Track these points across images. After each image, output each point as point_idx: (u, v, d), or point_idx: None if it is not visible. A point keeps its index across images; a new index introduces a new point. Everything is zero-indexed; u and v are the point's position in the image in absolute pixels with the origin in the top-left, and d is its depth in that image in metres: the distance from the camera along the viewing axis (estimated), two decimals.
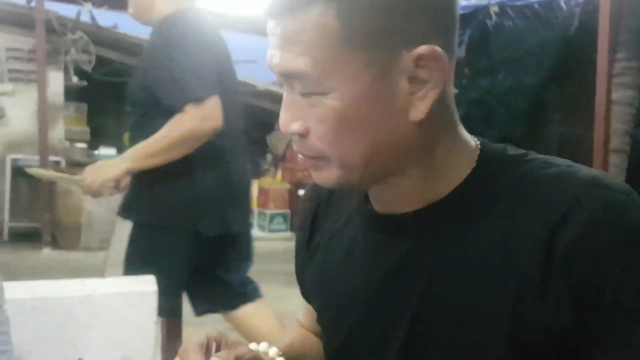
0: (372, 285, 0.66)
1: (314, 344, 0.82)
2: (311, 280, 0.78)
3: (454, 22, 0.61)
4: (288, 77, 0.60)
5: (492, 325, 0.57)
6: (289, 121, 0.61)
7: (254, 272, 5.69)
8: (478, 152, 0.64)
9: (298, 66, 0.57)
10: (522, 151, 0.64)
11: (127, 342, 1.32)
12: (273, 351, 0.72)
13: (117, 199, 6.23)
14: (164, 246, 1.93)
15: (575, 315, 0.55)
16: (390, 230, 0.66)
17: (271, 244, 6.78)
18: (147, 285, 1.38)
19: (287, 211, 7.42)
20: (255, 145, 8.84)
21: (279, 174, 7.83)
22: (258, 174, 8.23)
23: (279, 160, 7.90)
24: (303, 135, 0.61)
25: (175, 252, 1.97)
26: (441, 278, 0.61)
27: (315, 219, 0.79)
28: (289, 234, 7.33)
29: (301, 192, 4.76)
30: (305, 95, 0.59)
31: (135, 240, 1.95)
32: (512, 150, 0.65)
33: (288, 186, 7.42)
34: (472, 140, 0.66)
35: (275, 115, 8.24)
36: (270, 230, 7.33)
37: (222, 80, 1.86)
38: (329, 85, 0.57)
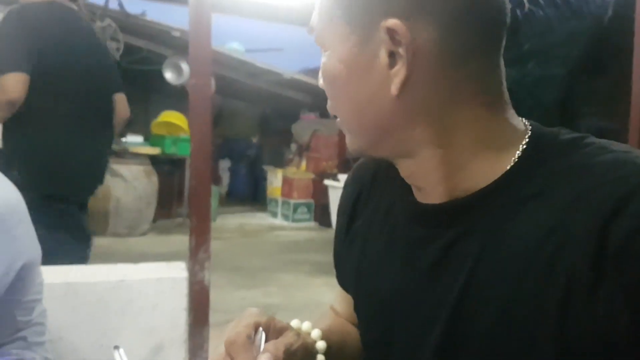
0: (411, 280, 0.64)
1: (352, 332, 0.80)
2: (349, 269, 0.76)
3: (457, 3, 0.56)
4: None
5: (536, 326, 0.53)
6: (320, 78, 0.65)
7: (278, 261, 5.73)
8: (527, 137, 0.60)
9: (311, 21, 0.63)
10: (578, 135, 0.59)
11: (159, 329, 1.32)
12: (315, 333, 0.70)
13: (145, 189, 6.24)
14: (52, 212, 2.07)
15: (630, 317, 0.49)
16: (431, 222, 0.63)
17: (295, 233, 6.80)
18: (178, 271, 1.39)
19: (311, 201, 7.42)
20: (279, 135, 8.85)
21: (304, 163, 7.83)
22: (282, 163, 8.26)
23: (304, 149, 7.90)
24: None
25: (60, 215, 2.13)
26: (483, 273, 0.57)
27: (357, 204, 0.76)
28: (312, 224, 7.34)
29: (327, 181, 4.75)
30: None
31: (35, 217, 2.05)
32: (567, 134, 0.60)
33: (312, 176, 7.41)
34: (521, 124, 0.61)
35: (300, 104, 8.22)
36: (294, 220, 7.35)
37: (48, 62, 2.06)
38: (325, 43, 0.62)
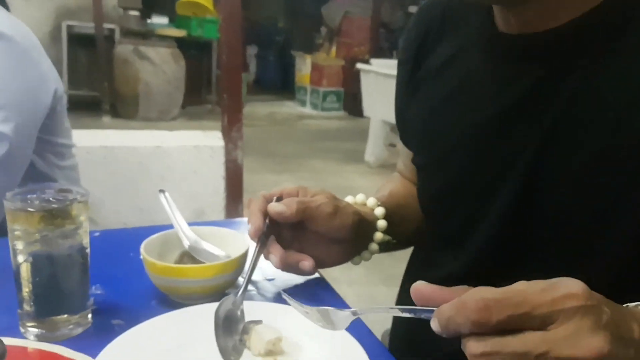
0: (489, 121, 0.58)
1: (415, 193, 0.74)
2: (412, 119, 0.69)
3: None
4: None
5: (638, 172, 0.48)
6: None
7: (308, 149, 5.72)
8: None
9: None
10: None
11: (199, 195, 1.31)
12: (371, 201, 0.71)
13: (173, 72, 6.14)
14: None
15: None
16: (518, 55, 0.55)
17: (324, 122, 6.74)
18: (215, 140, 1.34)
19: (341, 89, 7.25)
20: (308, 18, 8.49)
21: (334, 49, 7.56)
22: (311, 49, 7.98)
23: (334, 34, 7.59)
24: None
25: None
26: (577, 112, 0.51)
27: (423, 47, 0.68)
28: (342, 113, 7.23)
29: (359, 65, 4.58)
30: None
31: None
32: None
33: (342, 63, 7.19)
34: None
35: None
36: (323, 109, 7.23)
37: None
38: None
